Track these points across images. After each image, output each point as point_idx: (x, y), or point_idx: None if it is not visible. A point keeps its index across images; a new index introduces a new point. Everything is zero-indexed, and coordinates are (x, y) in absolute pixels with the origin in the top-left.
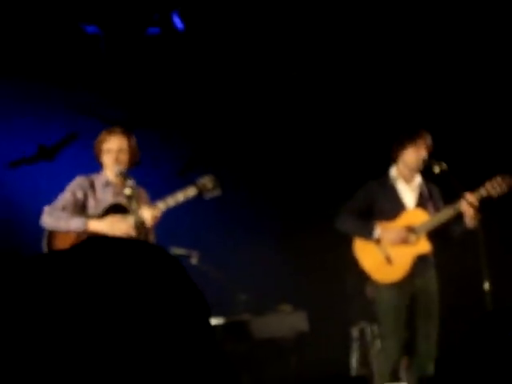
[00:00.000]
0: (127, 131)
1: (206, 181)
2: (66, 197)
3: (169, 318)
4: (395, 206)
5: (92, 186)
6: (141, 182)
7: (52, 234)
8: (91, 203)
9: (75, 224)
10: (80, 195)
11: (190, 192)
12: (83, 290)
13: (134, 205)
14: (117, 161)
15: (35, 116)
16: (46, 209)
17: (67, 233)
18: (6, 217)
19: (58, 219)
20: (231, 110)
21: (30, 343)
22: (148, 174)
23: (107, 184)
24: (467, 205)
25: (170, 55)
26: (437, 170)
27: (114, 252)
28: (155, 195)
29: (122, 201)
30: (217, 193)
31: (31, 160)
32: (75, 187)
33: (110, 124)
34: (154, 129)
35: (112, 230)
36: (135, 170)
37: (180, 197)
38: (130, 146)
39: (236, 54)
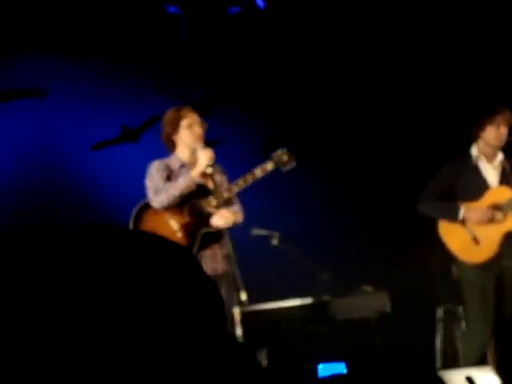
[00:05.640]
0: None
1: (281, 154)
2: (157, 180)
3: (179, 311)
4: (478, 185)
5: (169, 169)
6: (220, 160)
7: (138, 217)
8: None
9: (183, 181)
10: (165, 177)
11: (268, 167)
12: (88, 282)
13: (214, 183)
14: (201, 135)
15: (117, 97)
16: (152, 196)
17: (153, 214)
18: (89, 199)
19: (166, 190)
20: (313, 88)
21: (31, 338)
22: (229, 152)
23: (182, 166)
24: None
25: (251, 34)
26: None
27: (118, 243)
28: (235, 173)
29: (200, 181)
30: (292, 165)
31: (115, 141)
32: (160, 170)
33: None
34: (235, 108)
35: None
36: (217, 147)
37: (258, 173)
38: (203, 123)
39: (319, 31)
